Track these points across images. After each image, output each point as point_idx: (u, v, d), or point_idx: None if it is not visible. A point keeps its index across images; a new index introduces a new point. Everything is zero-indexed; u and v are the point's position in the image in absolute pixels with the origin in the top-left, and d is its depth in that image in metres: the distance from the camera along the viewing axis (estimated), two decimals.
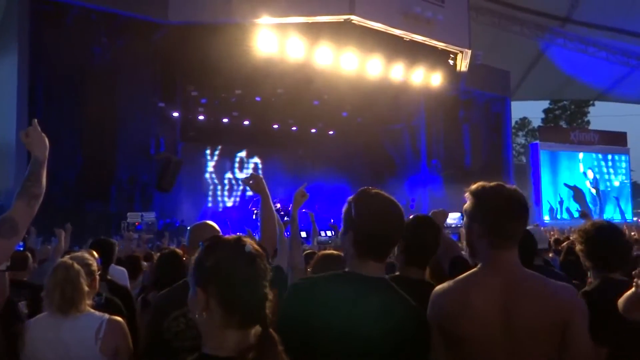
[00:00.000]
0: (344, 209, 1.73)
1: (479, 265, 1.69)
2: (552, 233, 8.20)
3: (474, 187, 1.74)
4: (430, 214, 2.55)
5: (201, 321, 1.29)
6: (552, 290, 1.61)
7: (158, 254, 4.00)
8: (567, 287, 1.65)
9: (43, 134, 1.94)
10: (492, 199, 1.69)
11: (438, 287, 1.71)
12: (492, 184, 1.72)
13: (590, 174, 20.65)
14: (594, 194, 20.55)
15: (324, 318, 1.58)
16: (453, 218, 11.49)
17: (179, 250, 3.27)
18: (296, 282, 1.71)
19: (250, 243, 1.33)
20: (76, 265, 2.39)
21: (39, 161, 1.90)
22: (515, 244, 1.69)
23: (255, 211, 14.64)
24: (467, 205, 1.74)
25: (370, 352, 1.58)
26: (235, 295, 1.27)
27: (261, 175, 2.69)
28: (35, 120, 1.96)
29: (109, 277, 3.53)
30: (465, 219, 1.75)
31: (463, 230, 1.80)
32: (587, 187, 20.48)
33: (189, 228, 2.42)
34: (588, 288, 2.25)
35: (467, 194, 1.74)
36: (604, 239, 2.27)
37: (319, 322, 1.58)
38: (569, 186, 20.20)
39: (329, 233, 11.65)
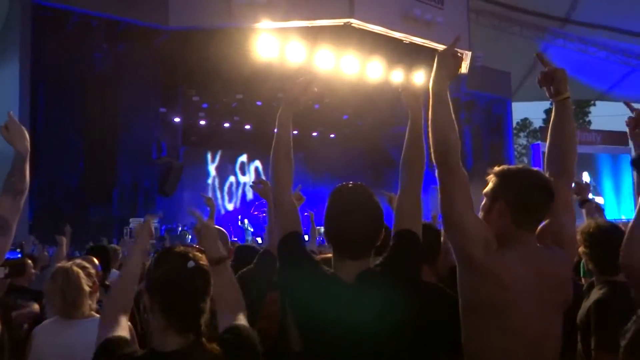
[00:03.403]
0: None
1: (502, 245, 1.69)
2: None
3: (498, 168, 1.76)
4: None
5: (149, 320, 1.47)
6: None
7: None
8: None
9: (22, 126, 1.92)
10: (522, 176, 1.70)
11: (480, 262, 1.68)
12: (518, 165, 1.76)
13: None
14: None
15: (313, 321, 1.62)
16: None
17: None
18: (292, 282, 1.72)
19: (196, 259, 1.48)
20: (75, 268, 2.38)
21: (22, 156, 1.90)
22: (537, 227, 1.73)
23: (239, 217, 14.65)
24: (489, 186, 1.75)
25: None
26: (173, 305, 1.43)
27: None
28: (11, 112, 1.95)
29: (107, 283, 3.54)
30: (485, 201, 1.75)
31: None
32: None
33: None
34: (601, 296, 2.23)
35: (490, 176, 1.75)
36: (608, 242, 2.22)
37: (311, 327, 1.63)
38: None
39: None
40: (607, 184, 20.71)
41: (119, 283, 1.76)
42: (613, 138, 21.39)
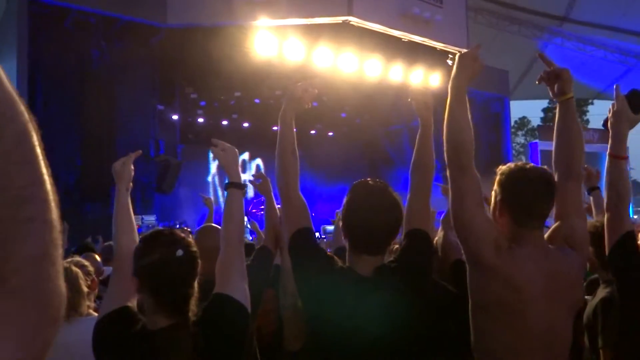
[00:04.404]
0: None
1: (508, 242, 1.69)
2: None
3: (502, 166, 1.78)
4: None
5: (140, 301, 1.53)
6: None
7: None
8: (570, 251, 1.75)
9: None
10: (511, 173, 1.71)
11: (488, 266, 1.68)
12: (519, 162, 1.76)
13: None
14: None
15: (327, 314, 1.62)
16: None
17: None
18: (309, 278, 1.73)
19: (185, 245, 1.49)
20: (74, 268, 2.37)
21: None
22: (541, 225, 1.71)
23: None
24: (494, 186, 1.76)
25: (370, 351, 1.58)
26: (162, 291, 1.48)
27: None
28: None
29: (101, 278, 3.55)
30: (492, 200, 1.77)
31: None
32: None
33: (195, 231, 2.46)
34: (607, 295, 2.24)
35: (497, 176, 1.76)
36: None
37: (325, 321, 1.60)
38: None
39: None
40: None
41: (115, 227, 1.82)
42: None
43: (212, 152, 1.90)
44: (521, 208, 1.69)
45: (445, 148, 1.74)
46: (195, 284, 1.54)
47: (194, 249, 1.55)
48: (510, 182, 1.71)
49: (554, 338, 1.67)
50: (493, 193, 1.77)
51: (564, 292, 1.68)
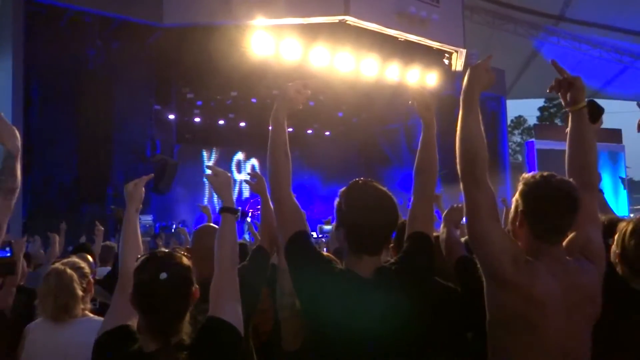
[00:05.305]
0: (335, 203, 1.76)
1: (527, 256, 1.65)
2: None
3: (526, 175, 1.73)
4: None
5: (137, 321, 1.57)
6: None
7: None
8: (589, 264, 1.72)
9: (12, 126, 1.90)
10: (535, 187, 1.66)
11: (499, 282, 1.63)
12: (544, 173, 1.70)
13: None
14: None
15: (330, 320, 1.60)
16: None
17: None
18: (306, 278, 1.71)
19: (172, 268, 1.51)
20: (69, 271, 2.36)
21: (13, 154, 1.87)
22: (561, 239, 1.68)
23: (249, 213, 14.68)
24: (515, 195, 1.73)
25: (371, 353, 1.58)
26: (148, 312, 1.52)
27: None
28: (1, 112, 1.93)
29: (97, 278, 3.56)
30: (512, 209, 1.74)
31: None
32: None
33: (194, 231, 2.45)
34: None
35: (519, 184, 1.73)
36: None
37: (326, 323, 1.61)
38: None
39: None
40: (607, 181, 20.79)
41: (124, 251, 1.90)
42: (607, 135, 21.44)
43: (206, 178, 1.90)
44: (542, 223, 1.64)
45: (457, 160, 1.70)
46: (185, 306, 1.55)
47: (185, 273, 1.56)
48: (532, 195, 1.66)
49: (573, 351, 1.64)
50: (514, 202, 1.73)
51: (583, 305, 1.64)
